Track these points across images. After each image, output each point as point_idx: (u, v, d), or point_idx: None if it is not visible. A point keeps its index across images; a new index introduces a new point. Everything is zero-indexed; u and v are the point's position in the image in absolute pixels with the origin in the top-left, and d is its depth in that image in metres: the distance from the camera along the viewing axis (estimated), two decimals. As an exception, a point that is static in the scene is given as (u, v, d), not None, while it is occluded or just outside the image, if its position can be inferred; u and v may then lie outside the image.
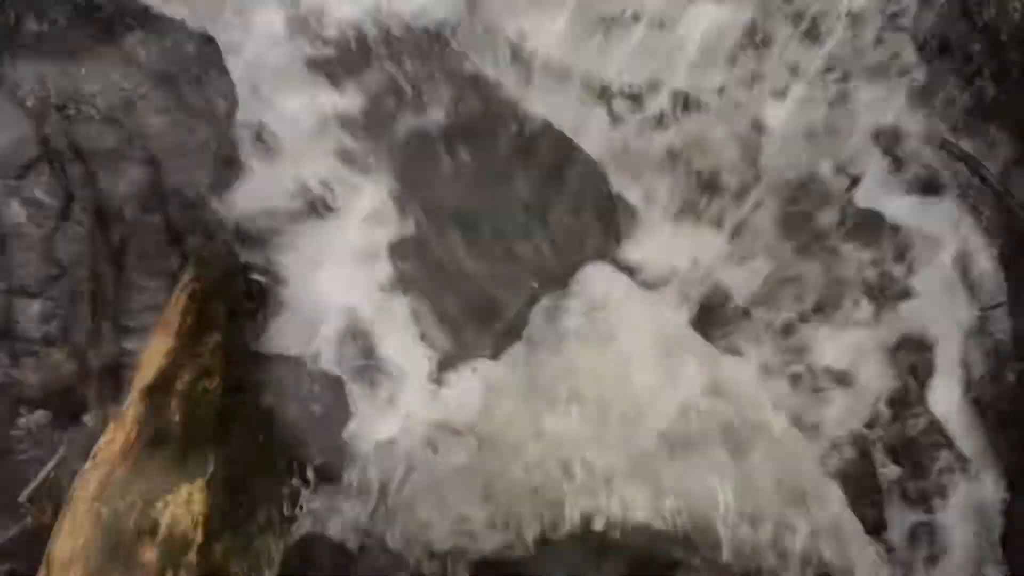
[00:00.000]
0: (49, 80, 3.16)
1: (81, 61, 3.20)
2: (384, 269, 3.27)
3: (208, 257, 2.48)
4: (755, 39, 3.20)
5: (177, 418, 2.19)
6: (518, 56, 3.24)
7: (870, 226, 3.26)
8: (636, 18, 3.19)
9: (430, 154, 3.32)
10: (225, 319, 2.42)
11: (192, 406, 2.21)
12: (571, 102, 3.26)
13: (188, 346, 2.31)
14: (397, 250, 3.31)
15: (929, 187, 3.24)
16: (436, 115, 3.25)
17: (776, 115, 3.22)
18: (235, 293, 2.51)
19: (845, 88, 3.22)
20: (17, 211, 3.02)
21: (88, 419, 2.67)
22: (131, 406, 2.24)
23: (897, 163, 3.25)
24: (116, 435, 2.20)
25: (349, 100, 3.28)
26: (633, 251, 3.29)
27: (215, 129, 3.23)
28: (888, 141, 3.25)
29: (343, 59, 3.25)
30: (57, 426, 2.54)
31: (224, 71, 3.27)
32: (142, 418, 2.20)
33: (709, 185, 3.25)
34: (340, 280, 3.18)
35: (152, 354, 2.34)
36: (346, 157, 3.28)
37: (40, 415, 2.56)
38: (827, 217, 3.26)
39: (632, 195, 3.29)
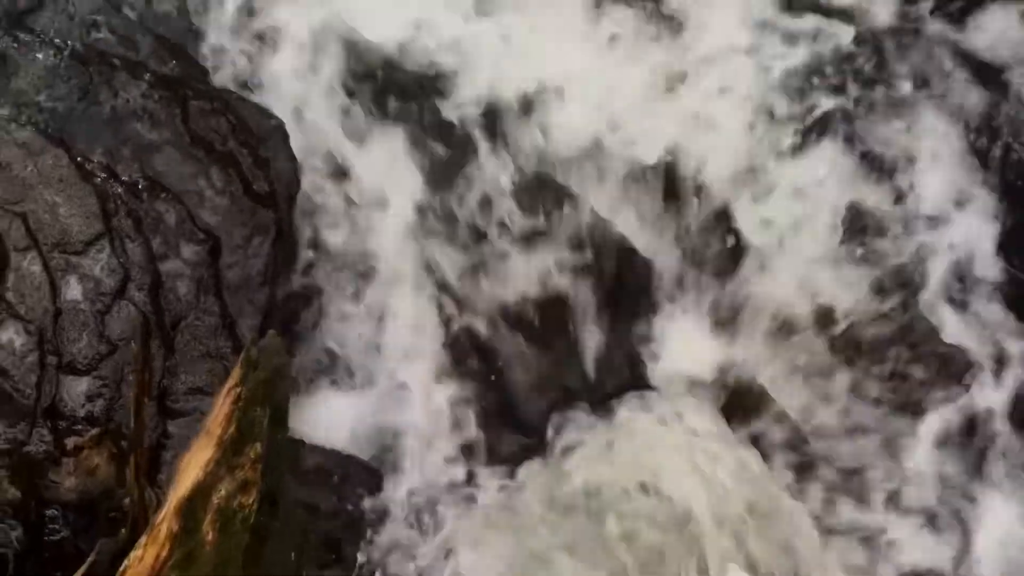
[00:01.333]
0: (117, 155, 3.17)
1: (149, 137, 3.21)
2: (429, 365, 3.23)
3: (257, 356, 2.40)
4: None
5: (210, 538, 2.11)
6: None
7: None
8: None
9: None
10: (268, 425, 2.32)
11: (226, 524, 2.13)
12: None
13: (228, 457, 2.24)
14: (442, 345, 3.27)
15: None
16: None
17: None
18: (281, 396, 2.43)
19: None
20: (74, 288, 3.00)
21: (123, 509, 2.63)
22: (165, 520, 2.17)
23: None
24: (148, 551, 2.13)
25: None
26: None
27: (276, 213, 3.21)
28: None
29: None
30: (91, 525, 2.49)
31: (290, 155, 3.26)
32: (175, 536, 2.12)
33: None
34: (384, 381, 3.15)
35: (192, 462, 2.27)
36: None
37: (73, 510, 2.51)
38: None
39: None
